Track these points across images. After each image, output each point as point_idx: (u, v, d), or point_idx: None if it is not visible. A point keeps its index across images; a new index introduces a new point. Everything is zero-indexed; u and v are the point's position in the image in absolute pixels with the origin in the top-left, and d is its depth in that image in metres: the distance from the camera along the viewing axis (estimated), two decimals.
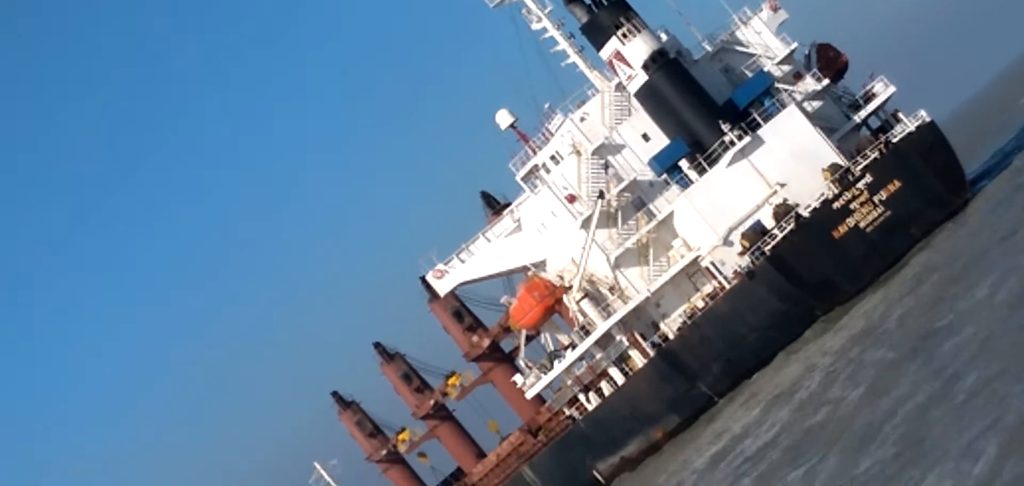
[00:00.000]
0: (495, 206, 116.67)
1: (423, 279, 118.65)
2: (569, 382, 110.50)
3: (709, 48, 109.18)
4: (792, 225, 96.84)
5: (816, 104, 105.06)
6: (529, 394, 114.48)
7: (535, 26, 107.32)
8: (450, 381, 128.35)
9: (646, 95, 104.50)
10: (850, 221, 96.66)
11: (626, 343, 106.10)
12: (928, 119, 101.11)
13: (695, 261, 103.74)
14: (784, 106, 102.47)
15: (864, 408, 58.61)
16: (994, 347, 50.64)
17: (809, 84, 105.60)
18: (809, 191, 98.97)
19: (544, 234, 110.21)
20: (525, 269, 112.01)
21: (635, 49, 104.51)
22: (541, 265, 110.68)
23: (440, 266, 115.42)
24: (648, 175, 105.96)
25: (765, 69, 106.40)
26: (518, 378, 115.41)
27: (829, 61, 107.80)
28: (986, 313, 58.04)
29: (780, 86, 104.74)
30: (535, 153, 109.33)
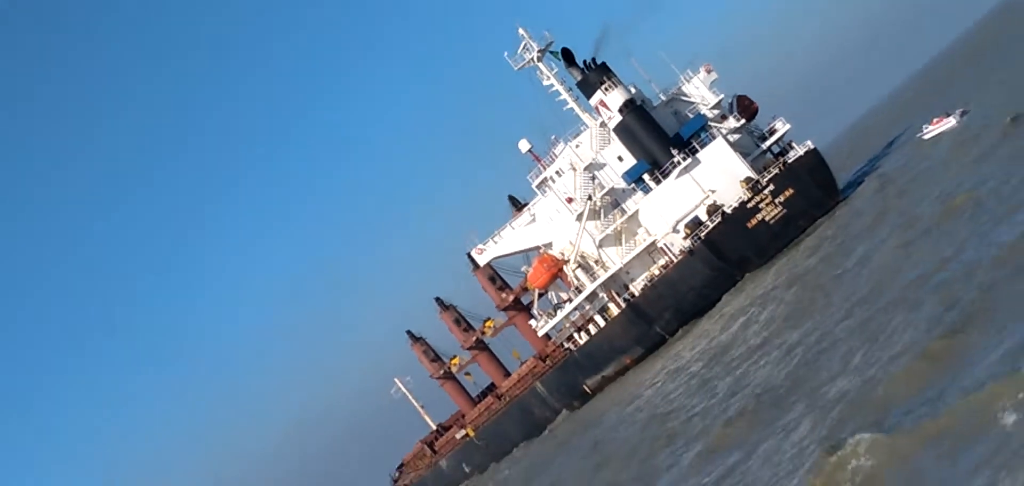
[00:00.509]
0: (518, 205, 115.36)
1: (469, 254, 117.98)
2: (567, 325, 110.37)
3: (663, 97, 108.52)
4: (719, 219, 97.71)
5: (735, 137, 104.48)
6: (540, 333, 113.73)
7: (545, 83, 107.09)
8: (486, 324, 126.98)
9: (621, 130, 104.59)
10: (759, 216, 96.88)
11: (606, 299, 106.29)
12: (812, 146, 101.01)
13: (653, 243, 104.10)
14: (714, 138, 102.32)
15: (762, 337, 59.20)
16: (850, 292, 51.46)
17: (731, 123, 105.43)
18: (731, 196, 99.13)
19: (551, 224, 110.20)
20: (538, 248, 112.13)
21: (613, 98, 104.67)
22: (549, 245, 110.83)
23: (480, 245, 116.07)
24: (622, 185, 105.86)
25: (701, 112, 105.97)
26: (533, 322, 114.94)
27: (745, 107, 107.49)
28: (847, 274, 58.65)
29: (711, 124, 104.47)
30: (545, 169, 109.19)
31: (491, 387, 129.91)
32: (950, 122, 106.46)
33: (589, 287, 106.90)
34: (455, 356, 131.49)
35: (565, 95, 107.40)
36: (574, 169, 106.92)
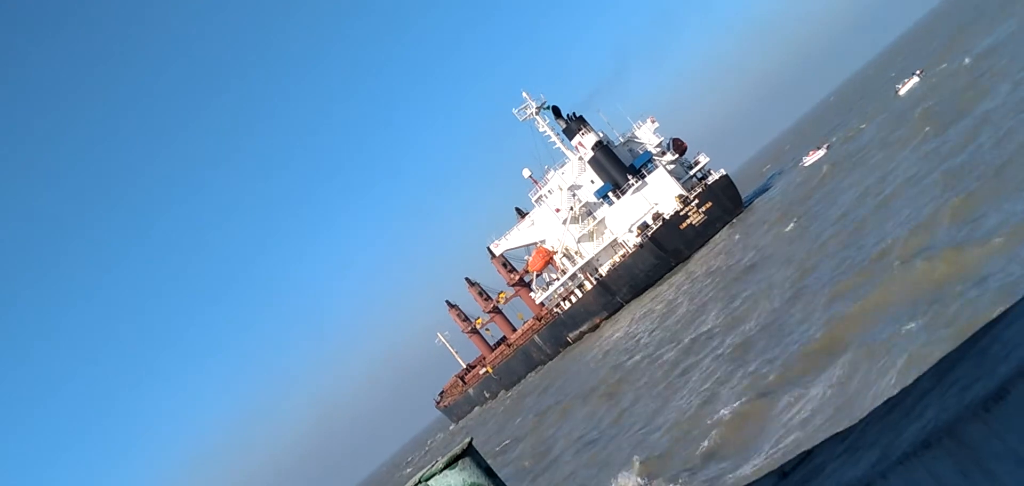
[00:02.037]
0: (522, 214, 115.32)
1: (488, 248, 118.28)
2: (556, 295, 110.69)
3: (622, 139, 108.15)
4: (661, 223, 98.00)
5: (672, 167, 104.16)
6: (537, 301, 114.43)
7: (540, 129, 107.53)
8: (500, 295, 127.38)
9: (593, 162, 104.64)
10: (688, 220, 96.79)
11: (583, 278, 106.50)
12: (724, 173, 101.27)
13: (615, 240, 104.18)
14: (657, 168, 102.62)
15: (693, 304, 59.25)
16: (753, 271, 51.45)
17: (669, 157, 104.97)
18: (669, 207, 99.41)
19: (545, 227, 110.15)
20: (536, 243, 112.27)
21: (588, 140, 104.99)
22: (543, 241, 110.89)
23: (496, 241, 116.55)
24: (593, 199, 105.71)
25: (648, 150, 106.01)
26: (532, 294, 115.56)
27: (678, 146, 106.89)
28: (750, 255, 58.60)
29: (655, 158, 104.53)
30: (540, 189, 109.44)
31: (503, 339, 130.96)
32: (821, 153, 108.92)
33: (571, 270, 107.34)
34: (479, 317, 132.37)
35: (554, 138, 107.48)
36: (561, 189, 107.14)
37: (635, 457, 27.70)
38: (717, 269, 67.53)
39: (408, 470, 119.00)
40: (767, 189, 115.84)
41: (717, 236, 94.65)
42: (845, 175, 64.66)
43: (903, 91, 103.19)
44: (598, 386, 51.60)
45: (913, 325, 21.87)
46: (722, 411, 26.55)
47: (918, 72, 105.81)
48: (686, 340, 44.41)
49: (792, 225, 57.11)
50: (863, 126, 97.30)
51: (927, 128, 53.62)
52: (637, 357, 52.31)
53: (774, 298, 37.59)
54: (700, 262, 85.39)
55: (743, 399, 26.25)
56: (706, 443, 24.42)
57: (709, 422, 26.66)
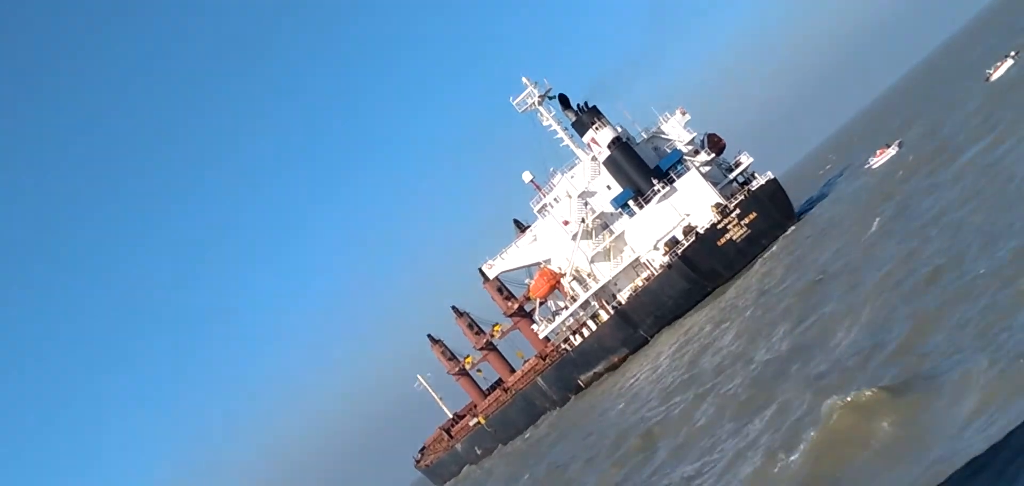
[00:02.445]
0: (521, 227, 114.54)
1: (480, 269, 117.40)
2: (564, 328, 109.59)
3: (645, 135, 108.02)
4: (693, 238, 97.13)
5: (707, 169, 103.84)
6: (541, 336, 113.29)
7: (545, 123, 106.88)
8: (495, 328, 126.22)
9: (609, 163, 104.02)
10: (727, 236, 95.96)
11: (597, 306, 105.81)
12: (772, 176, 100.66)
13: (637, 259, 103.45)
14: (688, 170, 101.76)
15: (726, 340, 58.89)
16: (800, 300, 51.13)
17: (703, 157, 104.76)
18: (703, 218, 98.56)
19: (550, 243, 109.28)
20: (538, 263, 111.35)
21: (603, 136, 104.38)
22: (548, 261, 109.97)
23: (490, 261, 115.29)
24: (610, 209, 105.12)
25: (677, 148, 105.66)
26: (534, 326, 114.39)
27: (714, 144, 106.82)
28: (800, 279, 58.22)
29: (686, 158, 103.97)
30: (544, 196, 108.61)
31: (499, 382, 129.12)
32: (891, 152, 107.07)
33: (582, 296, 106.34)
34: (468, 355, 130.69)
35: (561, 134, 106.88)
36: (570, 196, 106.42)
37: None
38: (776, 288, 65.03)
39: None
40: (824, 197, 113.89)
41: (764, 255, 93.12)
42: (936, 175, 62.69)
43: (996, 76, 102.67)
44: (622, 443, 49.40)
45: None
46: None
47: (1014, 53, 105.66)
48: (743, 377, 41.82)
49: (875, 225, 54.51)
50: (944, 117, 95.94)
51: None
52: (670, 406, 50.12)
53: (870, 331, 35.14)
54: (742, 288, 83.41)
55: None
56: None
57: None
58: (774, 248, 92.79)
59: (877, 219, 59.49)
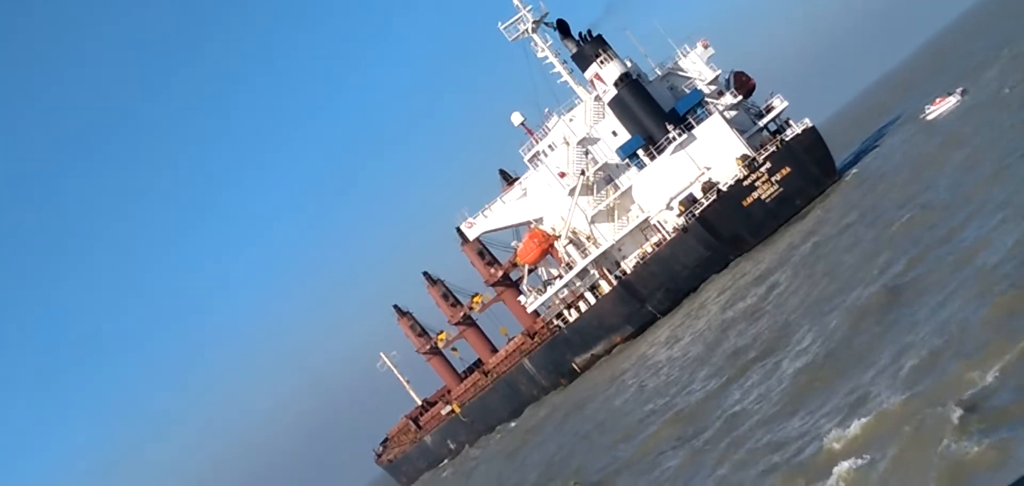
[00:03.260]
0: (509, 179, 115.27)
1: (458, 228, 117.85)
2: (557, 301, 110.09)
3: (659, 72, 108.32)
4: (714, 196, 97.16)
5: (732, 113, 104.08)
6: (529, 309, 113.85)
7: (540, 54, 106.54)
8: (474, 299, 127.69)
9: (615, 104, 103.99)
10: (755, 194, 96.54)
11: (597, 276, 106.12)
12: (810, 124, 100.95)
13: (646, 220, 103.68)
14: (710, 114, 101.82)
15: (744, 323, 58.64)
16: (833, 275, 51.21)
17: (728, 99, 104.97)
18: (727, 173, 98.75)
19: (542, 199, 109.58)
20: (528, 223, 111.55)
21: (609, 72, 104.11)
22: (540, 220, 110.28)
23: (470, 219, 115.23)
24: (615, 160, 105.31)
25: (698, 88, 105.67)
26: (522, 298, 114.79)
27: (742, 84, 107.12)
28: (842, 255, 58.06)
29: (708, 100, 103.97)
30: (537, 142, 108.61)
31: (478, 363, 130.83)
32: (951, 102, 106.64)
33: (580, 264, 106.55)
34: (442, 331, 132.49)
35: (559, 67, 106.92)
36: (567, 143, 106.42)
37: None
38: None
39: None
40: (872, 149, 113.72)
41: (799, 219, 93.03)
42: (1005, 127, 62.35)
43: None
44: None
45: None
46: None
47: None
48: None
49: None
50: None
51: None
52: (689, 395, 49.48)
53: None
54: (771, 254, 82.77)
55: None
56: None
57: None
58: (813, 209, 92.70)
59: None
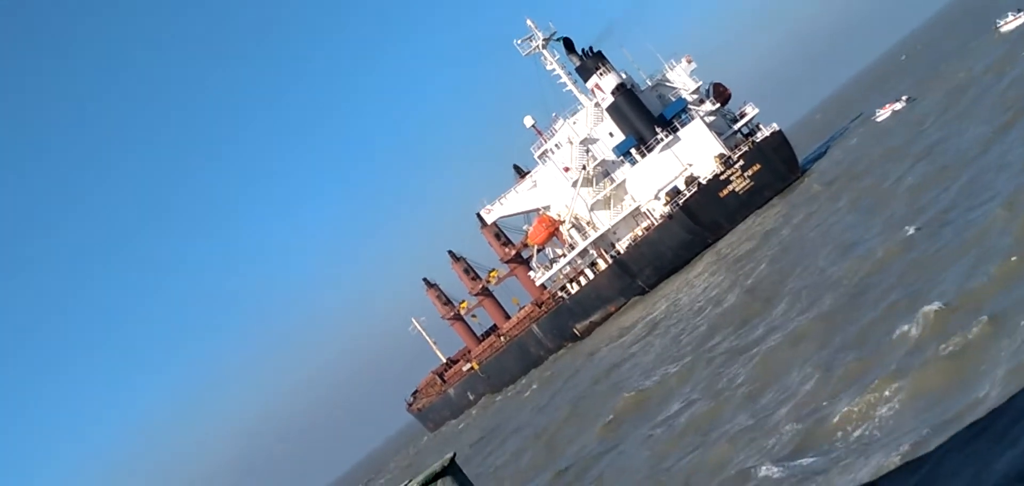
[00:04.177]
0: (521, 173, 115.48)
1: (478, 214, 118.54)
2: (561, 276, 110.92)
3: (650, 83, 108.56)
4: (695, 189, 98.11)
5: (711, 118, 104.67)
6: (537, 283, 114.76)
7: (548, 67, 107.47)
8: (491, 274, 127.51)
9: (612, 110, 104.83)
10: (730, 187, 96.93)
11: (595, 255, 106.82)
12: (777, 128, 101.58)
13: (638, 208, 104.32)
14: (693, 119, 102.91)
15: (726, 288, 60.08)
16: (802, 251, 52.72)
17: (707, 106, 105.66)
18: (706, 169, 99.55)
19: (550, 190, 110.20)
20: (537, 210, 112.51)
21: (607, 82, 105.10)
22: (547, 208, 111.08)
23: (488, 206, 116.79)
24: (612, 157, 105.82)
25: (682, 96, 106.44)
26: (531, 273, 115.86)
27: (720, 93, 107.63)
28: (800, 238, 59.87)
29: (691, 107, 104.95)
30: (545, 142, 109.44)
31: (494, 328, 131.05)
32: (897, 106, 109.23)
33: (581, 244, 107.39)
34: (464, 300, 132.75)
35: (565, 79, 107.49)
36: (571, 142, 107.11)
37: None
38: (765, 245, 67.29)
39: None
40: (826, 152, 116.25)
41: (766, 208, 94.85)
42: (939, 130, 64.87)
43: (1006, 27, 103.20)
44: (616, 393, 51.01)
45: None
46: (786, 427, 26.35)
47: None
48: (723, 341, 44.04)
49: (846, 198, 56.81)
50: (962, 72, 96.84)
51: None
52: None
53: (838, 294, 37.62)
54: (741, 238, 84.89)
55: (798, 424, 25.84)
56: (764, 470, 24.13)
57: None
58: (777, 201, 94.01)
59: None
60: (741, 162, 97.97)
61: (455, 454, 9.72)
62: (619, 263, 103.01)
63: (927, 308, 27.18)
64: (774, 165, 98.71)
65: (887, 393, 23.67)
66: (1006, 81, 67.45)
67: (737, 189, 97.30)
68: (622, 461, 35.05)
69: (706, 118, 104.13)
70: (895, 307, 30.60)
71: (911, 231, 39.36)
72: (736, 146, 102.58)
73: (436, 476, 7.73)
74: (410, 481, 7.89)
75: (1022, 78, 63.96)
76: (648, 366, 52.96)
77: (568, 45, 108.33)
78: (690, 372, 42.11)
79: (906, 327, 27.13)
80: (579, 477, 37.72)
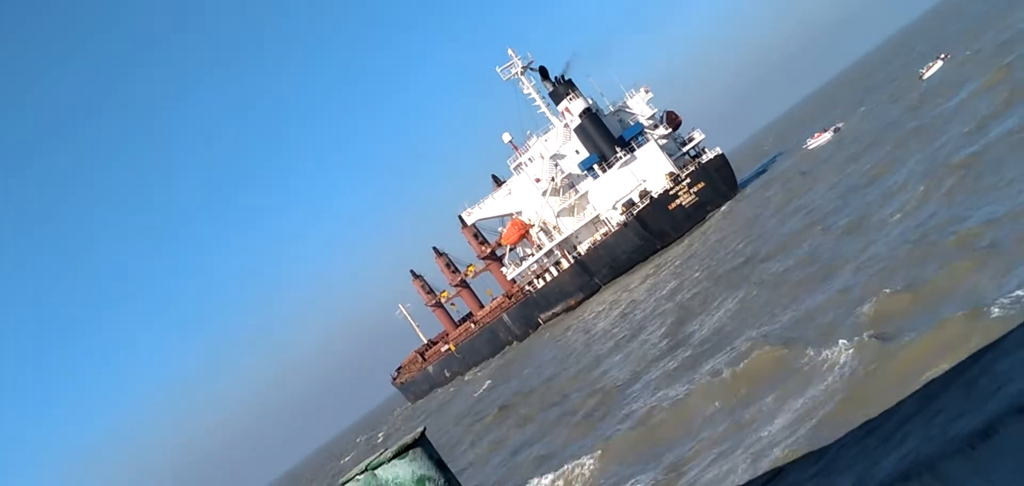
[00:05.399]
0: (498, 182, 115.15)
1: (459, 215, 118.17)
2: (529, 273, 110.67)
3: (612, 108, 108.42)
4: (648, 201, 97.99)
5: (664, 141, 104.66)
6: (509, 277, 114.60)
7: (525, 91, 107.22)
8: (469, 268, 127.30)
9: (579, 130, 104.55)
10: (678, 201, 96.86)
11: (559, 255, 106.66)
12: (720, 151, 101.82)
13: (598, 216, 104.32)
14: (648, 141, 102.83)
15: (668, 289, 59.87)
16: (729, 257, 52.87)
17: (661, 131, 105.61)
18: (658, 185, 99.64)
19: (522, 197, 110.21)
20: (511, 214, 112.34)
21: (575, 106, 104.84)
22: (520, 213, 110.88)
23: (468, 209, 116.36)
24: (577, 171, 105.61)
25: (639, 121, 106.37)
26: (504, 269, 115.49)
27: (672, 120, 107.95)
28: (734, 243, 59.46)
29: (646, 131, 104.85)
30: (520, 155, 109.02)
31: (469, 315, 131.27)
32: (827, 136, 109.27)
33: (547, 246, 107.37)
34: (445, 290, 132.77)
35: (539, 102, 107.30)
36: (542, 157, 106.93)
37: (595, 451, 28.37)
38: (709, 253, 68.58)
39: (346, 460, 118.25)
40: (763, 172, 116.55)
41: (708, 220, 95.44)
42: (850, 161, 65.66)
43: (927, 75, 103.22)
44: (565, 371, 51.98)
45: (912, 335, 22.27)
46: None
47: (943, 56, 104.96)
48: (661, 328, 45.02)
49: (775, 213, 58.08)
50: (878, 107, 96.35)
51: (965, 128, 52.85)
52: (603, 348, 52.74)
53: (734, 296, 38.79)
54: (689, 250, 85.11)
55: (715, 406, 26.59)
56: (671, 456, 24.47)
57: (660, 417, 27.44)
58: (717, 214, 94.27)
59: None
60: (688, 180, 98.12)
61: (425, 429, 10.09)
62: (580, 263, 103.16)
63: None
64: (716, 184, 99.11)
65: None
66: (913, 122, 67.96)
67: (684, 203, 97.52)
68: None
69: (659, 141, 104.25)
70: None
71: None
72: (685, 166, 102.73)
73: (406, 448, 8.26)
74: (383, 452, 8.21)
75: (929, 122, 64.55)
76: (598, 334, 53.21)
77: (543, 73, 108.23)
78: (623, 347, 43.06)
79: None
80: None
